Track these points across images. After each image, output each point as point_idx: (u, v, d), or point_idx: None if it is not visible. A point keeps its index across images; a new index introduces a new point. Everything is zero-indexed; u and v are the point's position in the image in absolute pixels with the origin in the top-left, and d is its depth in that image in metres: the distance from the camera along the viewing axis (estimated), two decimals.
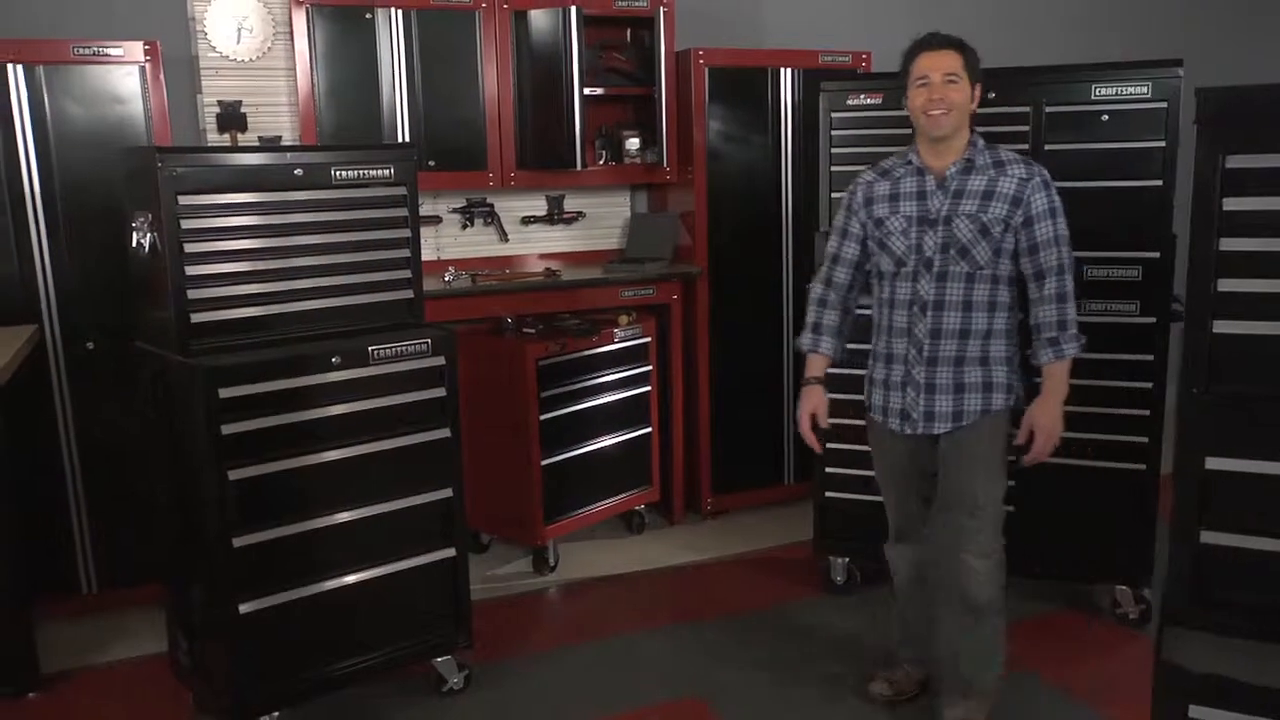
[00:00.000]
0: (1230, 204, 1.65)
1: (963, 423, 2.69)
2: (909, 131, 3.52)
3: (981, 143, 2.70)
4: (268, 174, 2.84)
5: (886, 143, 3.52)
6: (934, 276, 2.64)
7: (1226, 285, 1.69)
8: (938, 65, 2.61)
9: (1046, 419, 2.65)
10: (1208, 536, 1.72)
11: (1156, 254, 3.28)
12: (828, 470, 3.77)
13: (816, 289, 2.87)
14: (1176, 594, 1.76)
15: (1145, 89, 3.27)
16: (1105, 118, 3.32)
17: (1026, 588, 3.66)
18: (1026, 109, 3.39)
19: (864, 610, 3.70)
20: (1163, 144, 3.27)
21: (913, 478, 2.87)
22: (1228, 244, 1.67)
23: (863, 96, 3.55)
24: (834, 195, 3.62)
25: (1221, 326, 1.70)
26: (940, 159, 2.68)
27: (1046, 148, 3.38)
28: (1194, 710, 1.63)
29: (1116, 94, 3.30)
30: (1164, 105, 3.26)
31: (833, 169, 3.63)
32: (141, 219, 2.76)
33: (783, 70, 4.41)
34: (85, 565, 3.70)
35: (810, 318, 2.87)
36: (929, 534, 2.87)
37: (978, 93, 2.67)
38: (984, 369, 2.68)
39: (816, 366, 2.86)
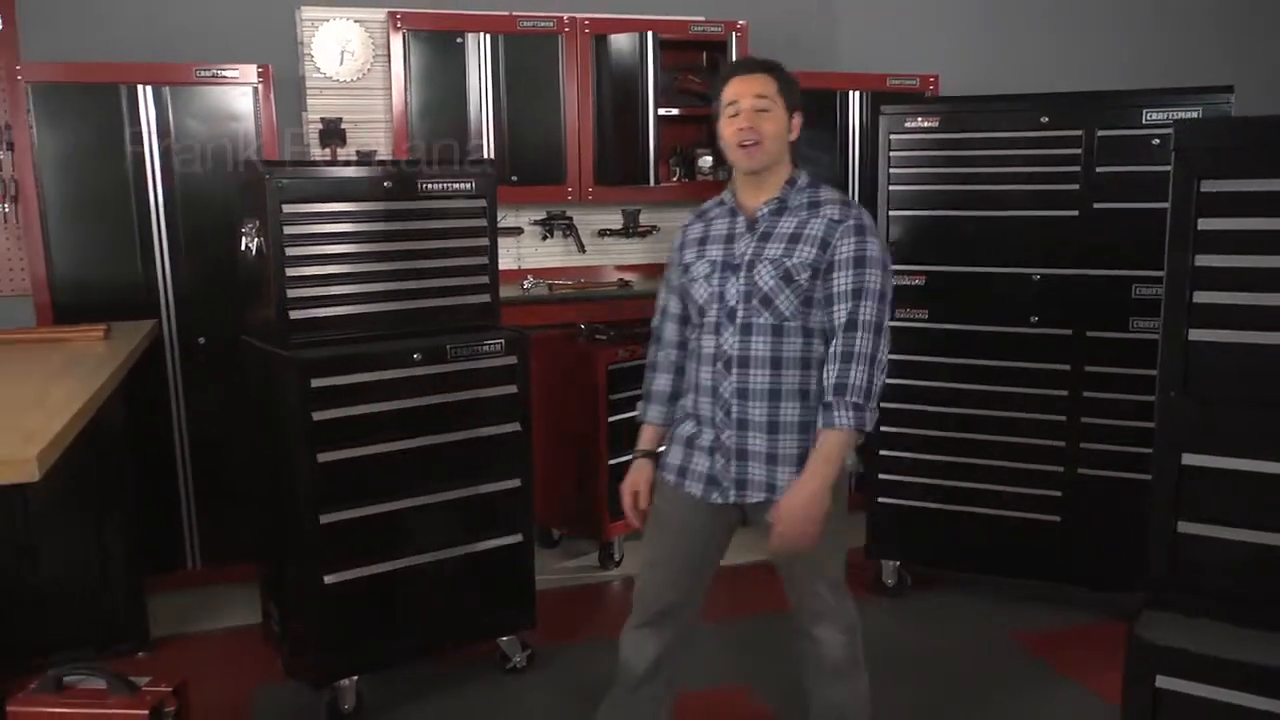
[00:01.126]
0: (1204, 224, 1.80)
1: (776, 496, 2.31)
2: (966, 154, 3.71)
3: (803, 180, 2.40)
4: (361, 186, 3.13)
5: (944, 164, 3.70)
6: (738, 329, 2.32)
7: (1201, 297, 1.83)
8: (748, 90, 2.32)
9: (788, 509, 2.22)
10: (1184, 527, 1.86)
11: None
12: (880, 476, 3.92)
13: (650, 350, 2.58)
14: (1156, 579, 1.90)
15: (1196, 114, 3.36)
16: (1156, 142, 3.42)
17: (1069, 597, 3.77)
18: (1079, 133, 3.50)
19: (911, 612, 3.84)
20: None
21: (696, 556, 2.49)
22: (1202, 260, 1.82)
23: (920, 120, 3.71)
24: (891, 213, 3.78)
25: (1196, 335, 1.85)
26: (755, 197, 2.38)
27: (1098, 170, 3.49)
28: (1160, 680, 1.78)
29: (1167, 118, 3.39)
30: None
31: (891, 189, 3.78)
32: (250, 225, 3.08)
33: (851, 93, 4.59)
34: (190, 543, 4.05)
35: (644, 384, 2.57)
36: (683, 632, 2.53)
37: (796, 122, 2.39)
38: (802, 437, 2.30)
39: (646, 438, 2.54)
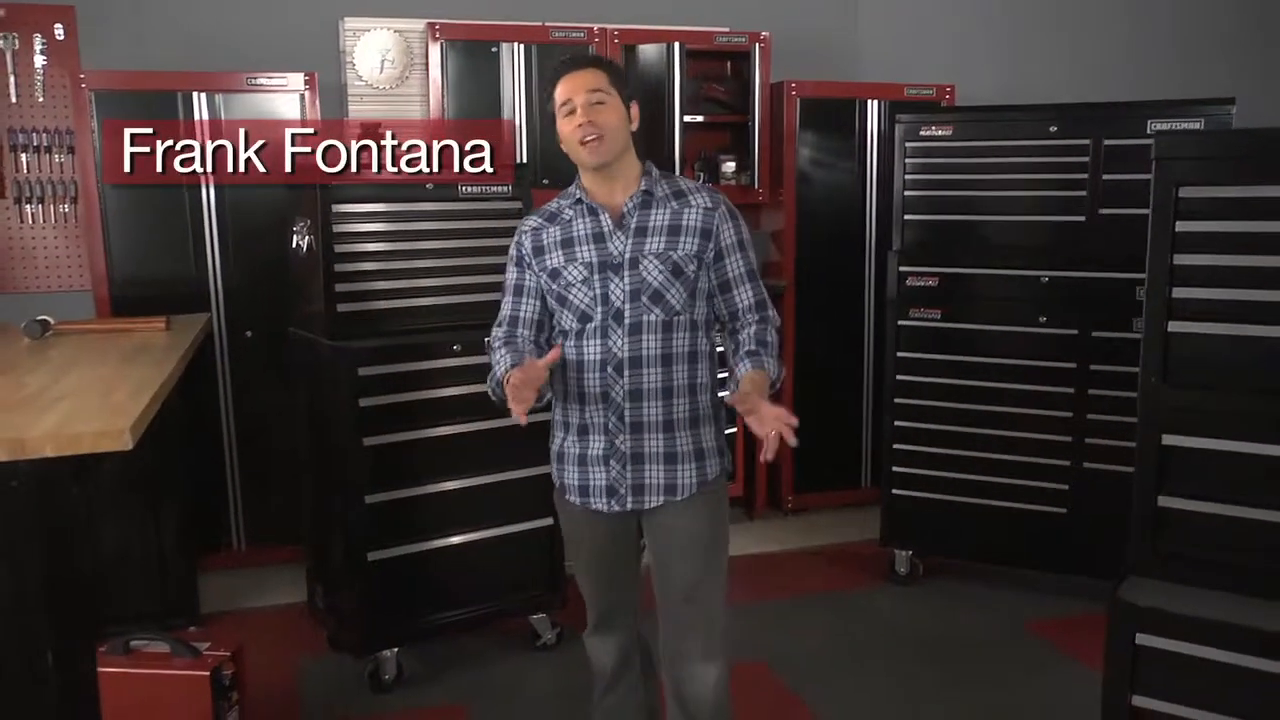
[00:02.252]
0: (1182, 226, 1.98)
1: (676, 497, 2.30)
2: (978, 160, 3.88)
3: (656, 171, 2.33)
4: (405, 188, 3.34)
5: (956, 170, 3.87)
6: (626, 329, 2.23)
7: (1179, 293, 2.02)
8: (580, 86, 2.22)
9: (760, 402, 2.06)
10: (1164, 501, 2.04)
11: None
12: (895, 469, 4.09)
13: (498, 350, 2.30)
14: (1137, 548, 2.08)
15: (1198, 124, 3.52)
16: None
17: (1077, 586, 3.90)
18: (1087, 142, 3.66)
19: (923, 598, 4.01)
20: None
21: (619, 562, 2.44)
22: (1180, 259, 2.00)
23: (934, 128, 3.88)
24: (906, 217, 3.96)
25: (1175, 327, 2.03)
26: (612, 193, 2.28)
27: (1104, 177, 3.65)
28: (1140, 638, 1.96)
29: (1171, 128, 3.54)
30: None
31: (906, 194, 3.96)
32: (301, 224, 3.29)
33: (870, 102, 4.77)
34: (236, 525, 4.26)
35: (506, 363, 2.24)
36: (634, 622, 2.55)
37: (635, 112, 2.30)
38: (694, 432, 2.30)
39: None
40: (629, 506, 2.30)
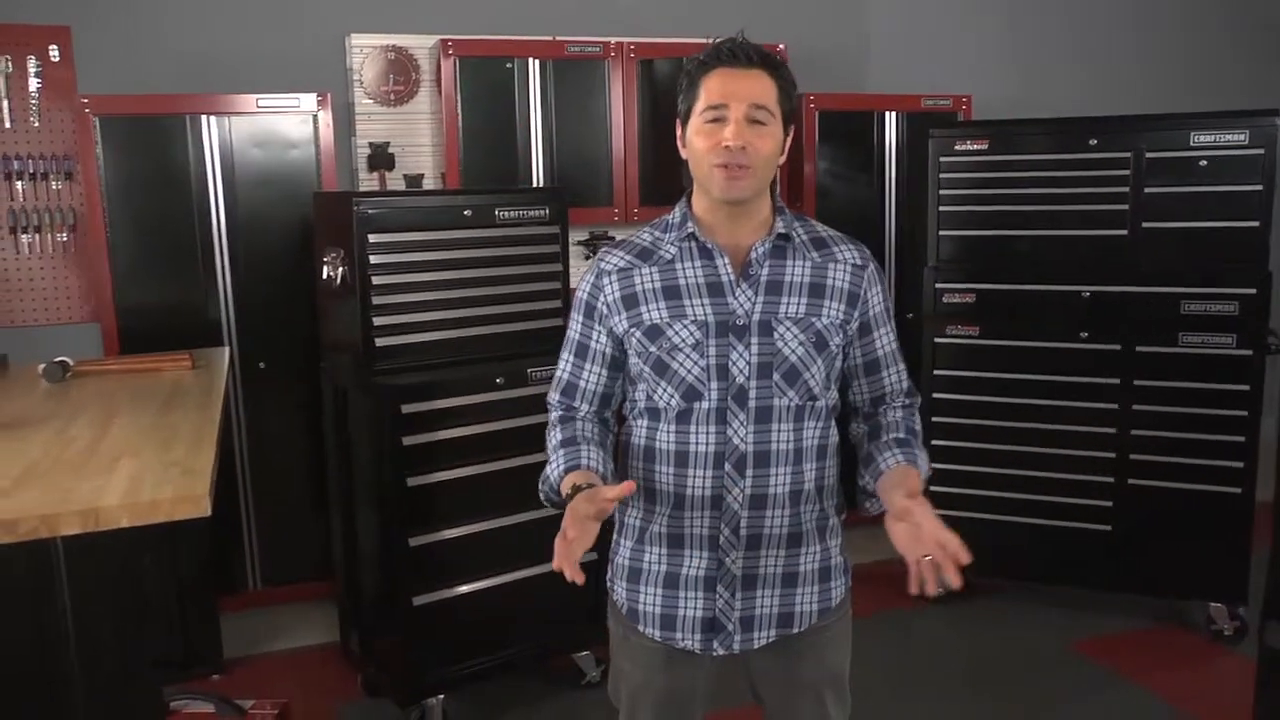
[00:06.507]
0: None
1: (793, 629, 1.85)
2: (1015, 175, 3.81)
3: (789, 210, 1.85)
4: (442, 214, 3.20)
5: (993, 185, 3.80)
6: (752, 415, 1.76)
7: None
8: (742, 91, 1.71)
9: (931, 521, 1.71)
10: None
11: (1253, 290, 3.49)
12: (933, 488, 3.98)
13: (555, 433, 1.89)
14: (1276, 592, 2.01)
15: (1243, 136, 3.48)
16: (1204, 163, 3.53)
17: (1117, 603, 3.89)
18: (1127, 154, 3.61)
19: (961, 621, 3.94)
20: (1259, 188, 3.47)
21: (693, 717, 1.96)
22: None
23: (969, 143, 3.81)
24: (941, 233, 3.88)
25: None
26: (736, 232, 1.79)
27: (1146, 190, 3.60)
28: None
29: (1215, 140, 3.51)
30: (1261, 151, 3.46)
31: (941, 209, 3.88)
32: (333, 254, 3.14)
33: (887, 114, 4.70)
34: (252, 564, 4.09)
35: (561, 463, 1.82)
36: None
37: (789, 142, 1.80)
38: (822, 546, 1.85)
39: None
40: (736, 648, 1.83)
